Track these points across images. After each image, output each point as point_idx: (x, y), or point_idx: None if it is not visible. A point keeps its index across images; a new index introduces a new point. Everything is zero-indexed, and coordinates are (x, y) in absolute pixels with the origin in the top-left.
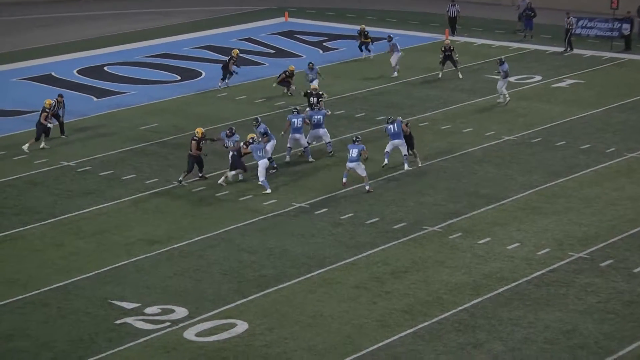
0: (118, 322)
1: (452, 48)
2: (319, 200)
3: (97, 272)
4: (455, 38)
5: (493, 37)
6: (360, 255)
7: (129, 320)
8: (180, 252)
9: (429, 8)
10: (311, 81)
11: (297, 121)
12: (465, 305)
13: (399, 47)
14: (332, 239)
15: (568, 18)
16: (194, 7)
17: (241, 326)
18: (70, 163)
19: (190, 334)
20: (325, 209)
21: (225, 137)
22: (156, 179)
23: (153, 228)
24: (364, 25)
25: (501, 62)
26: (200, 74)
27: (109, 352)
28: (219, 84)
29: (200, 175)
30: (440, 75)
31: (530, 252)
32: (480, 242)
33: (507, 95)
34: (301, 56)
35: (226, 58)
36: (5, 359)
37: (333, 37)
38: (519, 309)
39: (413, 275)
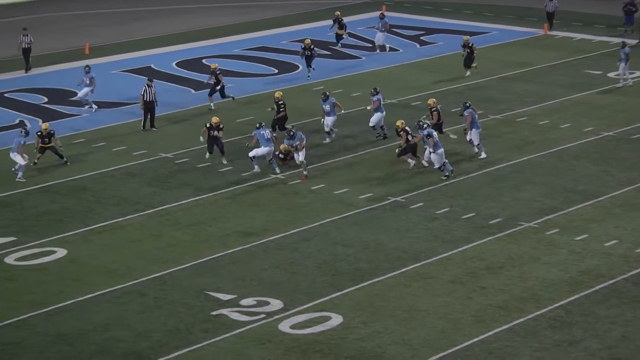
0: (214, 313)
1: (471, 44)
2: (414, 195)
3: (193, 263)
4: (553, 33)
5: (593, 32)
6: (455, 250)
7: (224, 311)
8: (275, 244)
9: (527, 2)
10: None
11: (265, 133)
12: (562, 302)
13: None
14: (428, 234)
15: None
16: (289, 0)
17: (336, 319)
18: (168, 155)
19: (285, 326)
20: (420, 203)
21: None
22: (253, 173)
23: (249, 220)
24: (338, 12)
25: (623, 46)
26: (297, 67)
27: (204, 343)
28: (308, 75)
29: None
30: (468, 74)
31: (629, 249)
32: (577, 238)
33: (629, 80)
34: (398, 50)
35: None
36: (102, 347)
37: (430, 31)
38: (616, 306)
39: (508, 270)
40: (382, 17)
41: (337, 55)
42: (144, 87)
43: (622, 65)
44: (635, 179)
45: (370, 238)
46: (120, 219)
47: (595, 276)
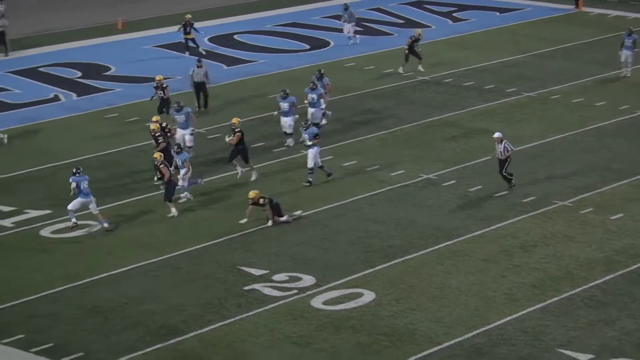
0: (246, 288)
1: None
2: (447, 172)
3: (226, 238)
4: (587, 9)
5: (628, 8)
6: (488, 229)
7: (257, 286)
8: (307, 220)
9: None
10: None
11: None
12: (597, 282)
13: (355, 17)
14: (460, 211)
15: None
16: None
17: (368, 296)
18: (201, 130)
19: (317, 302)
20: (453, 181)
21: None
22: (283, 148)
23: (279, 196)
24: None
25: (629, 33)
26: (329, 43)
27: (237, 317)
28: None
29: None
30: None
31: None
32: (613, 217)
33: (629, 70)
34: (430, 26)
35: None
36: (136, 320)
37: (463, 7)
38: None
39: (542, 249)
40: (346, 7)
41: (368, 32)
42: (193, 68)
43: (625, 53)
44: None
45: (403, 215)
46: (153, 193)
47: (631, 256)
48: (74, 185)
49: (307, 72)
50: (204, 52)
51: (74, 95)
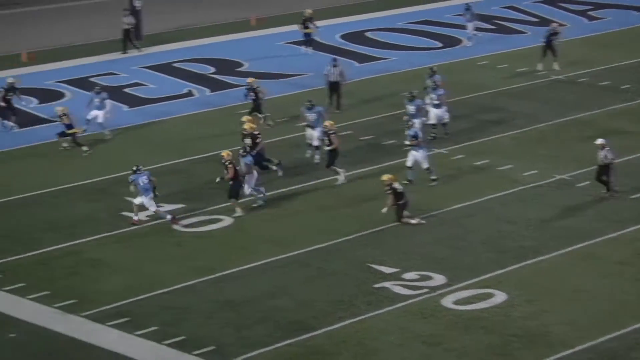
0: (376, 285)
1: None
2: (581, 173)
3: (356, 235)
4: None
5: None
6: (623, 231)
7: (387, 284)
8: (438, 219)
9: None
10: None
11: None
12: None
13: (476, 16)
14: (595, 213)
15: None
16: None
17: (499, 296)
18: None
19: (447, 302)
20: (587, 182)
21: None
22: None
23: (410, 195)
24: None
25: None
26: (460, 41)
27: (367, 315)
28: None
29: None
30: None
31: None
32: None
33: None
34: (565, 25)
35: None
36: (267, 315)
37: (599, 5)
38: None
39: None
40: (467, 7)
41: (501, 30)
42: (328, 67)
43: None
44: None
45: (535, 215)
46: (285, 189)
47: None
48: (136, 183)
49: (439, 71)
50: (303, 51)
51: (208, 91)
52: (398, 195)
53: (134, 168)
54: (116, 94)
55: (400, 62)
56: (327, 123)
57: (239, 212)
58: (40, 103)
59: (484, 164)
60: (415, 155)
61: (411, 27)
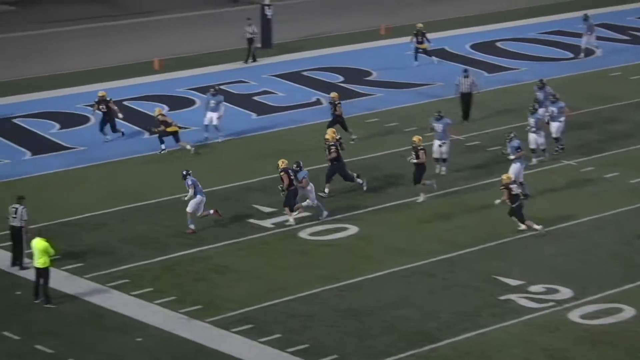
0: (502, 298)
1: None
2: None
3: (482, 246)
4: None
5: None
6: None
7: (512, 297)
8: (565, 232)
9: None
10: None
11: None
12: None
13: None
14: None
15: None
16: None
17: (628, 311)
18: (459, 137)
19: (574, 316)
20: None
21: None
22: (541, 157)
23: (538, 207)
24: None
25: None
26: (592, 52)
27: (492, 327)
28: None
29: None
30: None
31: None
32: None
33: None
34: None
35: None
36: (390, 325)
37: None
38: None
39: None
40: (585, 18)
41: (637, 41)
42: (459, 78)
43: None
44: None
45: None
46: (408, 200)
47: None
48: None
49: (570, 81)
50: (436, 61)
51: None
52: (512, 197)
53: (184, 173)
54: (245, 101)
55: (531, 73)
56: (415, 138)
57: (291, 221)
58: (170, 110)
59: (614, 176)
60: (514, 167)
61: (543, 37)
